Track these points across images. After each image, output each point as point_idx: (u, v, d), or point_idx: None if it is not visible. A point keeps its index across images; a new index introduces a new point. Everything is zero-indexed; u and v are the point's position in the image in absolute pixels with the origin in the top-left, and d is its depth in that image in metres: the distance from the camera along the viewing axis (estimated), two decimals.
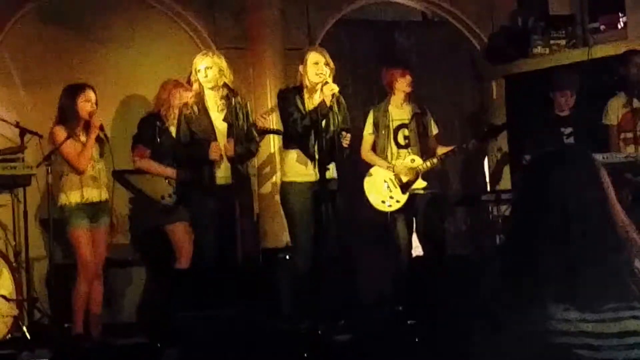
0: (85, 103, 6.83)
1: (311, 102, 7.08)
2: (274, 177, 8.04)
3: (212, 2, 8.36)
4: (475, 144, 7.89)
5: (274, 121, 7.72)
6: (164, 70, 7.78)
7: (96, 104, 6.89)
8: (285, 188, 7.24)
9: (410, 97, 7.76)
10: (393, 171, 7.66)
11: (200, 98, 7.12)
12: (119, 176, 7.35)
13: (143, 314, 7.65)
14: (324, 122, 7.05)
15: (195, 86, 7.14)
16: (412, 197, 7.68)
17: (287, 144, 7.31)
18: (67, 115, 6.83)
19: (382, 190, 7.69)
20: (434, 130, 7.88)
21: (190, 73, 7.16)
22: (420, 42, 9.43)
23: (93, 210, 6.85)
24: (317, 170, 7.02)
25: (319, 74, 7.04)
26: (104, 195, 6.91)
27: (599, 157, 6.10)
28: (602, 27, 8.88)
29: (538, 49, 9.04)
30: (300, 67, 7.16)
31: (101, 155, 6.94)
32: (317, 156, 7.01)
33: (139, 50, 8.15)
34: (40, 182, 7.03)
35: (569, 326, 2.23)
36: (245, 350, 5.45)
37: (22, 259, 7.12)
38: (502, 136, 8.95)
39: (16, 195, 7.20)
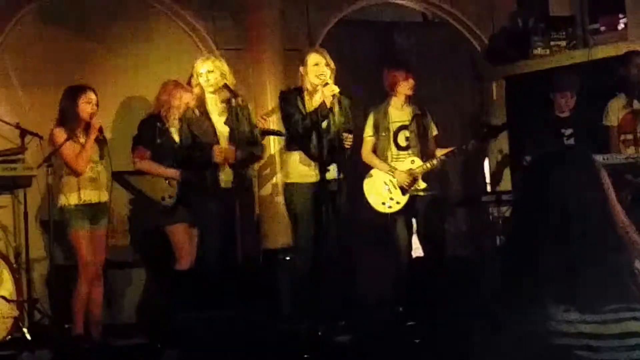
0: (86, 104, 6.84)
1: (312, 103, 7.08)
2: (274, 179, 8.04)
3: (212, 2, 8.36)
4: (474, 145, 7.89)
5: (274, 122, 7.72)
6: (164, 71, 7.77)
7: (97, 105, 6.90)
8: (289, 190, 7.26)
9: (410, 99, 7.75)
10: (393, 175, 7.65)
11: (201, 102, 7.14)
12: (119, 177, 7.36)
13: (143, 315, 7.65)
14: (324, 123, 7.06)
15: (197, 90, 7.14)
16: (412, 199, 7.67)
17: (289, 146, 7.34)
18: (68, 117, 6.84)
19: (382, 192, 7.68)
20: (434, 131, 7.88)
21: (192, 76, 7.17)
22: (421, 43, 9.42)
23: (92, 212, 6.86)
24: (318, 171, 7.03)
25: (319, 75, 7.05)
26: (104, 197, 6.91)
27: (599, 158, 6.10)
28: (603, 28, 8.88)
29: (538, 50, 9.04)
30: (301, 68, 7.17)
31: (101, 156, 6.94)
32: (318, 157, 7.02)
33: (139, 51, 8.15)
34: (40, 183, 7.02)
35: (569, 327, 2.22)
36: (245, 352, 5.45)
37: (23, 260, 7.11)
38: (503, 137, 8.95)
39: (16, 196, 7.21)
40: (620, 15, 8.73)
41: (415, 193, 7.66)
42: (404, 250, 7.67)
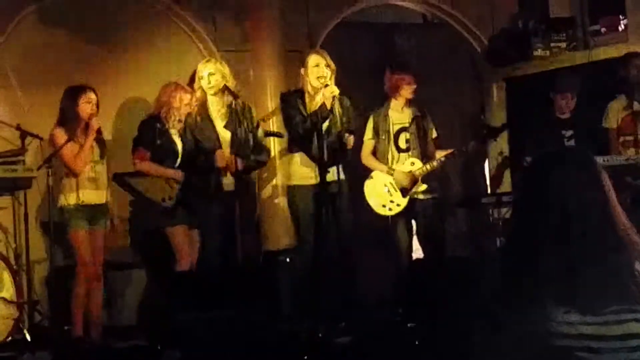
0: (87, 105, 6.85)
1: (312, 104, 7.09)
2: (275, 180, 8.03)
3: (213, 4, 8.36)
4: (474, 146, 7.89)
5: (275, 124, 7.72)
6: (164, 72, 7.78)
7: (97, 105, 6.90)
8: (291, 192, 7.28)
9: (410, 101, 7.75)
10: (393, 178, 7.64)
11: (204, 106, 7.16)
12: (119, 179, 7.35)
13: (143, 316, 7.64)
14: (325, 125, 7.06)
15: (199, 93, 7.17)
16: (413, 201, 7.66)
17: (291, 148, 7.36)
18: (68, 117, 6.84)
19: (383, 194, 7.67)
20: (434, 133, 7.87)
21: (193, 80, 7.20)
22: (421, 44, 9.42)
23: (92, 212, 6.86)
24: (318, 173, 7.04)
25: (319, 77, 7.07)
26: (104, 198, 6.92)
27: (599, 159, 6.09)
28: (603, 29, 8.87)
29: (538, 52, 9.03)
30: (302, 70, 7.18)
31: (102, 157, 6.94)
32: (319, 159, 7.02)
33: (139, 53, 8.15)
34: (40, 185, 7.02)
35: (569, 329, 2.22)
36: (246, 352, 5.45)
37: (23, 261, 7.11)
38: (503, 139, 8.94)
39: (17, 197, 7.20)
40: (621, 17, 8.72)
41: (416, 195, 7.65)
42: (405, 252, 7.67)
